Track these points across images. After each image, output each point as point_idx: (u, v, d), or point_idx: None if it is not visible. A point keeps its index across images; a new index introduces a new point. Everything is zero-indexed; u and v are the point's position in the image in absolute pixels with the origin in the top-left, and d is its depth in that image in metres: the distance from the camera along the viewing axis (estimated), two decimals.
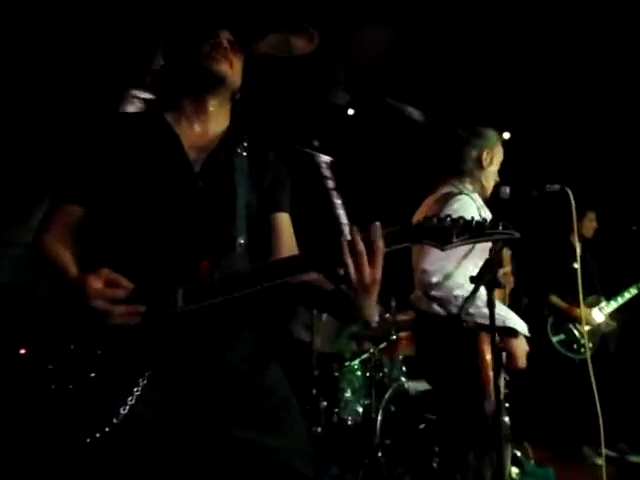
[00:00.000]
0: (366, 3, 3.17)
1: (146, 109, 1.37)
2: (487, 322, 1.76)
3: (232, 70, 1.31)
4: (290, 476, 1.22)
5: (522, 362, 1.92)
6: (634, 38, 3.25)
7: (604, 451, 1.65)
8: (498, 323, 1.80)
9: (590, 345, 3.50)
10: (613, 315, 3.61)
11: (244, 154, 1.33)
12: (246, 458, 1.21)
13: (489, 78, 3.77)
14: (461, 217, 1.02)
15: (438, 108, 4.11)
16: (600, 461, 3.30)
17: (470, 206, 1.89)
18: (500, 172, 2.19)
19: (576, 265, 3.65)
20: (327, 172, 4.79)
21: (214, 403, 1.20)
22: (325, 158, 4.62)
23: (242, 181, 1.29)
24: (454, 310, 1.80)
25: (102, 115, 1.33)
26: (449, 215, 1.03)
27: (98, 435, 1.08)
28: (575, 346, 3.53)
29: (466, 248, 1.81)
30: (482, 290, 1.55)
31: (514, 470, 2.71)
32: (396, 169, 4.39)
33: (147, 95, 1.40)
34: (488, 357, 1.82)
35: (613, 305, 3.59)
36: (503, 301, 2.04)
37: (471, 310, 1.78)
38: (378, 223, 1.04)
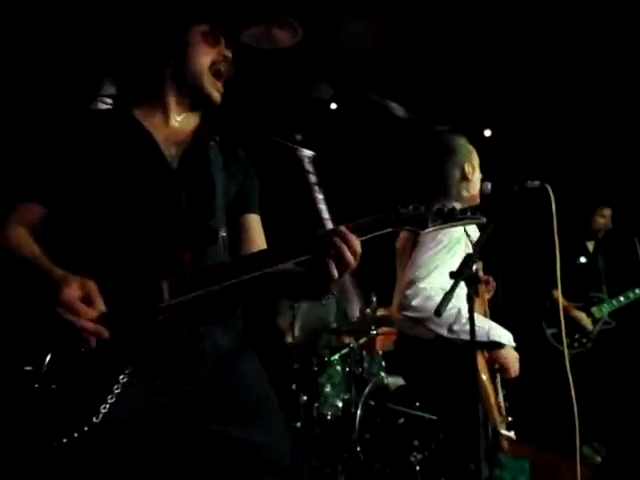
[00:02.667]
0: None
1: (114, 106, 1.35)
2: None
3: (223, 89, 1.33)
4: (271, 470, 1.23)
5: (514, 371, 1.89)
6: (614, 38, 3.30)
7: (578, 448, 1.67)
8: (482, 338, 1.81)
9: (585, 341, 3.54)
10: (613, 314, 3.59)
11: (217, 148, 1.34)
12: (228, 454, 1.21)
13: (471, 75, 3.79)
14: (434, 204, 1.13)
15: (421, 104, 4.12)
16: (599, 459, 3.37)
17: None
18: (483, 169, 2.19)
19: (582, 260, 3.72)
20: (309, 166, 4.78)
21: (195, 399, 1.20)
22: (307, 152, 4.61)
23: (218, 174, 1.30)
24: (438, 330, 1.79)
25: (68, 110, 1.31)
26: (423, 203, 1.13)
27: (76, 435, 1.06)
28: (568, 340, 3.55)
29: (447, 269, 1.80)
30: (463, 308, 1.54)
31: None
32: (378, 164, 4.39)
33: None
34: (484, 377, 1.81)
35: (614, 304, 3.57)
36: (484, 312, 2.03)
37: (455, 327, 1.76)
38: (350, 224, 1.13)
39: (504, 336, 1.87)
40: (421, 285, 1.80)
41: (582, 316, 3.54)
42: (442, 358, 1.83)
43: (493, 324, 1.89)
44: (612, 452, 3.25)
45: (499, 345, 1.86)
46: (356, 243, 1.09)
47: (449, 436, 1.89)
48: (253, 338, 1.36)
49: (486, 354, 1.89)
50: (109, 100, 1.33)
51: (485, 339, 1.82)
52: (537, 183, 1.49)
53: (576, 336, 3.55)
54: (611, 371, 3.59)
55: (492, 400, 1.80)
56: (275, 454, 1.25)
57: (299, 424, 2.89)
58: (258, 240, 1.36)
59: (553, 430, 3.50)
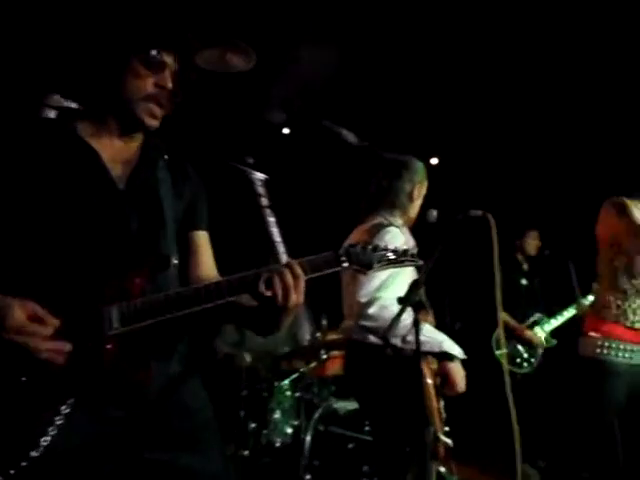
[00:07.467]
0: (305, 25, 3.23)
1: (57, 118, 1.27)
2: (424, 349, 1.81)
3: (163, 114, 1.26)
4: None
5: (460, 387, 1.96)
6: (555, 68, 3.54)
7: (519, 466, 1.72)
8: (434, 348, 1.88)
9: (533, 360, 3.69)
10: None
11: (165, 167, 1.30)
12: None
13: (421, 105, 3.95)
14: (379, 245, 1.19)
15: (371, 132, 4.23)
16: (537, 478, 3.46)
17: (399, 238, 1.96)
18: (429, 196, 2.27)
19: (523, 282, 3.89)
20: (261, 190, 4.76)
21: (139, 427, 1.16)
22: (260, 175, 4.60)
23: (167, 195, 1.26)
24: (392, 340, 1.83)
25: (8, 121, 1.23)
26: (371, 243, 1.18)
27: (13, 472, 0.99)
28: (518, 360, 3.70)
29: (400, 280, 1.86)
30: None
31: None
32: (330, 189, 4.46)
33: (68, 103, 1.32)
34: (429, 382, 1.86)
35: (554, 323, 3.75)
36: (431, 325, 2.10)
37: (409, 338, 1.80)
38: (297, 260, 1.15)
39: (456, 349, 1.94)
40: (377, 294, 1.84)
41: (533, 335, 3.71)
42: (390, 363, 1.88)
43: (446, 337, 1.95)
44: (551, 465, 3.37)
45: (449, 358, 1.92)
46: (291, 282, 1.11)
47: (388, 436, 1.91)
48: (198, 362, 1.34)
49: (433, 366, 1.94)
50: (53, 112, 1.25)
51: (437, 349, 1.88)
52: (479, 212, 1.57)
53: (525, 356, 3.70)
54: (555, 390, 3.74)
55: (434, 404, 1.86)
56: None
57: (247, 452, 2.82)
58: (206, 259, 1.34)
59: (497, 451, 3.58)
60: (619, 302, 2.31)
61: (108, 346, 1.08)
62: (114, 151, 1.24)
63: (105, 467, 1.13)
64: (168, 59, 1.23)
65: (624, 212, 2.31)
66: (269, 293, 1.11)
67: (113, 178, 1.21)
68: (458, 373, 1.93)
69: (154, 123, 1.25)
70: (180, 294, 1.11)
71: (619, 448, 2.29)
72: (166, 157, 1.31)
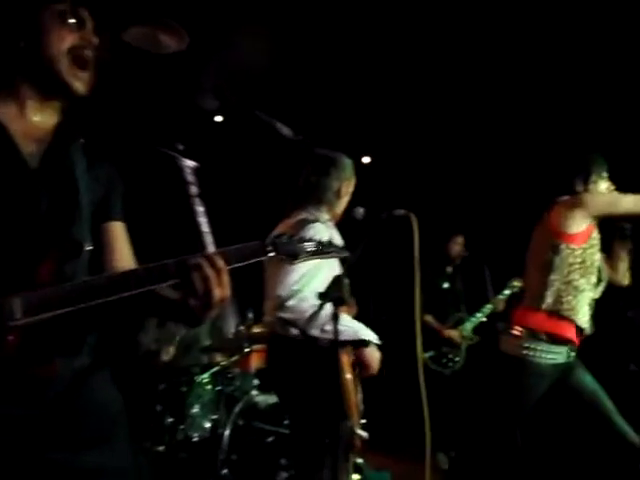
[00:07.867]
0: (242, 12, 3.16)
1: None
2: (341, 338, 1.85)
3: (91, 78, 1.18)
4: None
5: (374, 369, 2.03)
6: (481, 76, 3.70)
7: (429, 456, 1.81)
8: (350, 337, 1.91)
9: (458, 359, 3.88)
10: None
11: (81, 150, 1.22)
12: None
13: (360, 105, 4.00)
14: (305, 237, 1.20)
15: (308, 128, 4.24)
16: (447, 466, 3.65)
17: (324, 233, 1.97)
18: (360, 194, 2.31)
19: (446, 285, 4.06)
20: (190, 177, 4.63)
21: (41, 425, 1.08)
22: (189, 163, 4.47)
23: (83, 178, 1.18)
24: (310, 330, 1.85)
25: None
26: (297, 235, 1.18)
27: None
28: (444, 360, 3.88)
29: (322, 274, 1.88)
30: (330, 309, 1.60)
31: (355, 477, 2.83)
32: (261, 180, 4.42)
33: None
34: (348, 377, 1.90)
35: (474, 321, 3.95)
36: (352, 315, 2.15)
37: (327, 327, 1.82)
38: (217, 250, 1.10)
39: (371, 335, 2.01)
40: (296, 287, 1.85)
41: (455, 334, 3.89)
42: (310, 356, 1.91)
43: (362, 325, 2.01)
44: (459, 457, 3.56)
45: (365, 344, 1.99)
46: (211, 275, 1.04)
47: (306, 429, 1.94)
48: (113, 354, 1.26)
49: (352, 356, 2.00)
50: None
51: (353, 337, 1.93)
52: (402, 211, 1.61)
53: (449, 356, 3.88)
54: (475, 384, 3.94)
55: (352, 398, 1.90)
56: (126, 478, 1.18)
57: (163, 448, 2.74)
58: (123, 250, 1.27)
59: (413, 442, 3.73)
60: (570, 297, 2.29)
61: (9, 337, 0.99)
62: (26, 127, 1.15)
63: (6, 468, 1.05)
64: (84, 14, 1.16)
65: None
66: (190, 290, 1.05)
67: (23, 155, 1.12)
68: (373, 356, 2.01)
69: (81, 86, 1.16)
70: (93, 282, 1.04)
71: (518, 441, 2.40)
72: (82, 141, 1.24)
